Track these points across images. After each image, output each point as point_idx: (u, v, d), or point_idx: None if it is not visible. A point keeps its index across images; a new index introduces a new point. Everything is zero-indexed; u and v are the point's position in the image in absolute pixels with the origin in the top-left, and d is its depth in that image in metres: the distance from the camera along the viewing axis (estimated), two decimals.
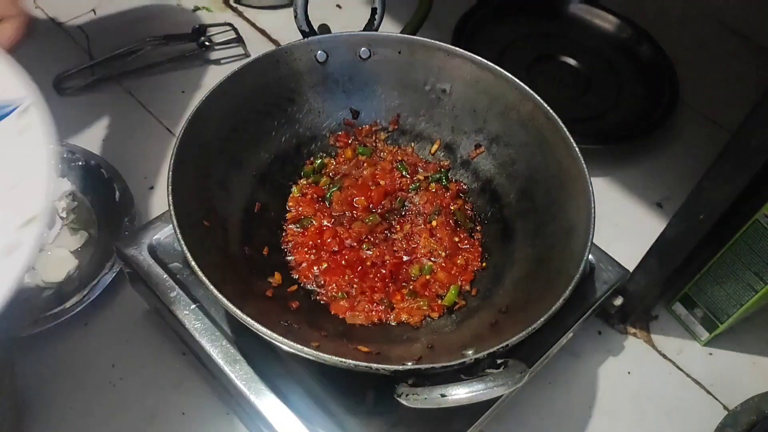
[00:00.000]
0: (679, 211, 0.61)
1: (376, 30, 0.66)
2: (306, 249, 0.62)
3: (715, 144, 0.59)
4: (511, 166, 0.65)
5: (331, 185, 0.66)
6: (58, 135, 0.85)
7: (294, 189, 0.66)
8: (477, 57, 0.64)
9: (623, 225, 0.84)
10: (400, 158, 0.69)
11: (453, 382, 0.45)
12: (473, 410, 0.56)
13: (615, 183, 0.89)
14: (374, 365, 0.45)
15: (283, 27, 1.03)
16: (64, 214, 0.76)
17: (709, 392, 0.72)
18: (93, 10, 1.01)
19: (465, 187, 0.68)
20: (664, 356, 0.74)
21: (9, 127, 0.44)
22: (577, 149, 0.58)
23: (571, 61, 0.99)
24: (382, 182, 0.66)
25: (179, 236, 0.49)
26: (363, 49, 0.65)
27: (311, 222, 0.64)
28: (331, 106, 0.67)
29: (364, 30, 0.66)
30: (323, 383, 0.56)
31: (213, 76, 0.95)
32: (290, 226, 0.64)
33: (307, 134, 0.67)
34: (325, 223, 0.63)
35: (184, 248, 0.48)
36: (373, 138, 0.69)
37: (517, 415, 0.67)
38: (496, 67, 0.63)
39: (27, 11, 0.56)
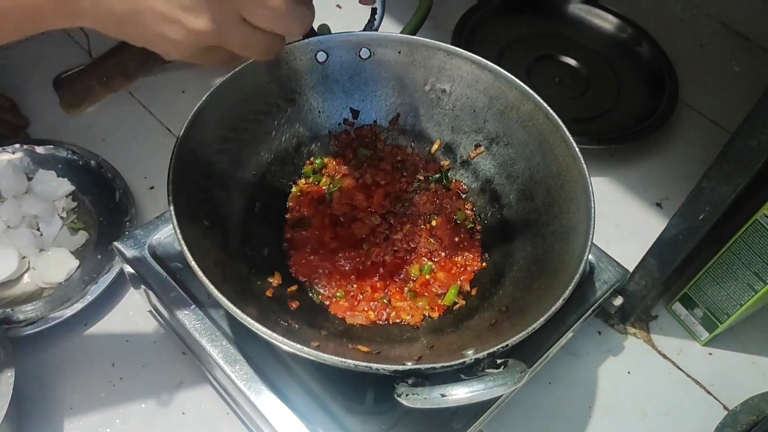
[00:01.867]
0: (678, 211, 0.61)
1: (376, 30, 0.66)
2: (306, 249, 0.62)
3: (715, 144, 0.59)
4: (511, 166, 0.65)
5: (331, 185, 0.66)
6: (59, 136, 0.85)
7: (294, 189, 0.66)
8: (477, 57, 0.64)
9: (623, 225, 0.84)
10: (400, 158, 0.69)
11: (453, 382, 0.45)
12: (473, 410, 0.56)
13: (615, 183, 0.89)
14: (374, 365, 0.45)
15: None
16: (64, 214, 0.76)
17: (709, 392, 0.72)
18: None
19: (465, 187, 0.68)
20: (664, 356, 0.74)
21: None
22: (577, 149, 0.58)
23: (571, 61, 0.99)
24: (382, 182, 0.66)
25: (179, 236, 0.49)
26: (363, 49, 0.65)
27: (311, 222, 0.64)
28: (331, 106, 0.67)
29: (364, 30, 0.66)
30: (323, 383, 0.56)
31: (213, 77, 0.95)
32: (290, 226, 0.64)
33: (307, 134, 0.67)
34: (325, 223, 0.63)
35: (184, 248, 0.48)
36: (373, 138, 0.69)
37: (517, 415, 0.67)
38: (496, 67, 0.63)
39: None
